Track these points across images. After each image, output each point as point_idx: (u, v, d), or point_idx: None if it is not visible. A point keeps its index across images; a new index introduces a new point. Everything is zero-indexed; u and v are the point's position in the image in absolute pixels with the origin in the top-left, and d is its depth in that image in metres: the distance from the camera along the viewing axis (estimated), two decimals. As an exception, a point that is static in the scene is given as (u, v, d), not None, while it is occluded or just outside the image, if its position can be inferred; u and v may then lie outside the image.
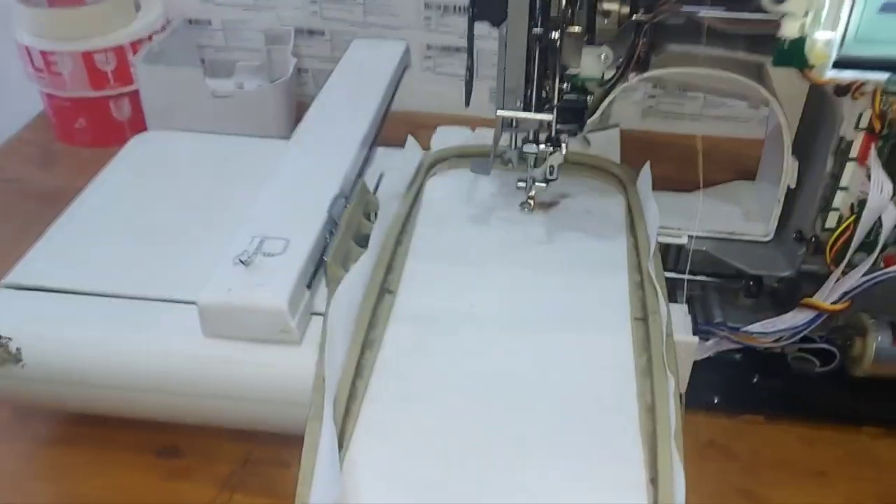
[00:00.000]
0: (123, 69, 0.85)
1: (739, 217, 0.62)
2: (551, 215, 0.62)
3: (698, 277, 0.61)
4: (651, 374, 0.48)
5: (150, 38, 0.86)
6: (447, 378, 0.48)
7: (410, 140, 0.68)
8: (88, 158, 0.87)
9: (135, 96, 0.86)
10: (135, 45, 0.84)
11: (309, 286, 0.53)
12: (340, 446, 0.44)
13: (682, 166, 0.85)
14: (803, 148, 0.56)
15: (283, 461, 0.54)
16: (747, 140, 0.89)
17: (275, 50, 0.93)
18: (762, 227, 0.60)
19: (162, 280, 0.55)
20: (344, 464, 0.43)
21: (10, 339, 0.51)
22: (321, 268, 0.55)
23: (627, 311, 0.53)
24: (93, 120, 0.88)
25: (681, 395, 0.52)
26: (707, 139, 0.93)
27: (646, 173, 0.62)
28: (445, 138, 0.70)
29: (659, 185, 0.63)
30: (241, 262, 0.51)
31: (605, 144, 0.69)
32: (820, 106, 0.54)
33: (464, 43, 0.93)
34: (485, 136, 0.69)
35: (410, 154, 0.67)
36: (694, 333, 0.52)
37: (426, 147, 0.69)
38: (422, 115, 0.88)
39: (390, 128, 0.74)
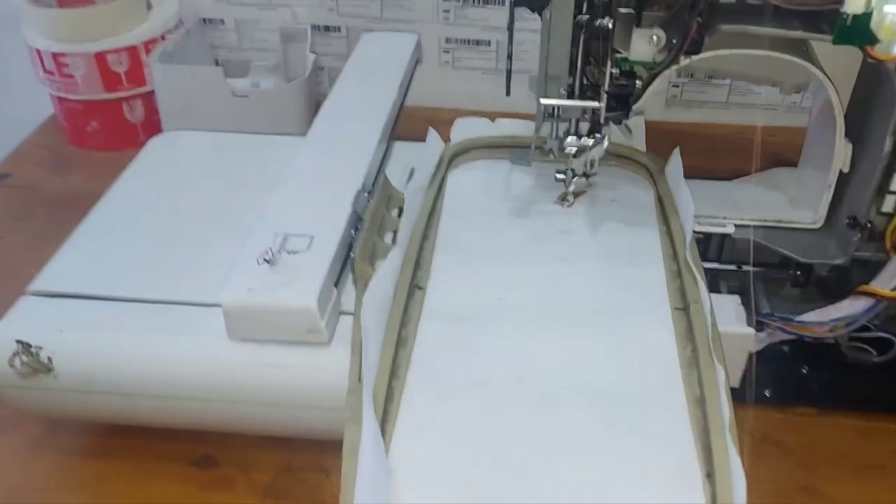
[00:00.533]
0: (136, 70, 0.83)
1: (784, 204, 0.61)
2: (578, 205, 0.60)
3: (746, 267, 0.59)
4: (698, 366, 0.46)
5: (162, 37, 0.84)
6: (483, 374, 0.46)
7: (432, 132, 0.66)
8: (101, 162, 0.85)
9: (148, 98, 0.84)
10: (147, 45, 0.83)
11: (336, 284, 0.51)
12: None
13: (709, 156, 0.83)
14: (856, 129, 0.54)
15: (324, 468, 0.53)
16: (774, 128, 0.87)
17: (290, 48, 0.91)
18: (810, 214, 0.58)
19: (188, 282, 0.53)
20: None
21: (40, 347, 0.49)
22: (347, 265, 0.53)
23: (667, 302, 0.51)
24: (105, 123, 0.86)
25: (732, 389, 0.50)
26: (733, 127, 0.92)
27: (676, 160, 0.61)
28: (465, 130, 0.68)
29: (687, 174, 0.61)
30: (266, 260, 0.49)
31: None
32: (876, 85, 0.52)
33: (484, 35, 0.93)
34: (505, 127, 0.67)
35: (433, 147, 0.65)
36: (751, 324, 0.50)
37: (447, 140, 0.67)
38: (440, 111, 0.86)
39: (408, 124, 0.72)
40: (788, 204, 0.61)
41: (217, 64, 0.96)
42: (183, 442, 0.54)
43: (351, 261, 0.52)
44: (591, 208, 0.60)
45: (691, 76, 0.90)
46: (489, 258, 0.55)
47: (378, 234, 0.56)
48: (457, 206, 0.61)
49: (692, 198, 0.55)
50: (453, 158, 0.66)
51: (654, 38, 0.47)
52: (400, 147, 0.70)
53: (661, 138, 0.68)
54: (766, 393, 0.57)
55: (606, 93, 0.49)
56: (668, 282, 0.53)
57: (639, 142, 0.66)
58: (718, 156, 0.88)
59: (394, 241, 0.55)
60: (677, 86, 0.92)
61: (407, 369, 0.47)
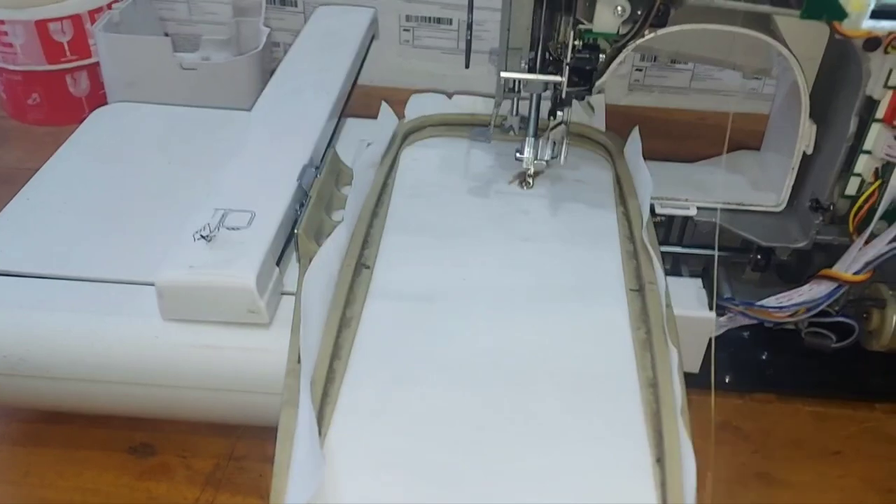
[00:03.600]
0: (81, 40, 0.79)
1: (747, 187, 0.59)
2: (537, 185, 0.58)
3: (705, 251, 0.57)
4: (651, 348, 0.45)
5: (109, 6, 0.80)
6: (432, 356, 0.44)
7: (385, 108, 0.63)
8: (43, 137, 0.81)
9: (93, 70, 0.81)
10: (93, 15, 0.79)
11: (278, 263, 0.49)
12: (319, 432, 0.39)
13: (669, 141, 0.82)
14: (819, 111, 0.53)
15: (269, 456, 0.50)
16: (735, 114, 0.87)
17: (243, 22, 0.88)
18: (773, 197, 0.57)
19: (123, 261, 0.51)
20: (325, 449, 0.39)
21: (-38, 327, 0.46)
22: (291, 242, 0.51)
23: (622, 283, 0.50)
24: (48, 95, 0.82)
25: (692, 374, 0.49)
26: (693, 113, 0.91)
27: (635, 139, 0.59)
28: (420, 106, 0.66)
29: (648, 158, 0.60)
30: (203, 237, 0.47)
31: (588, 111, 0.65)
32: (841, 64, 0.51)
33: (445, 14, 0.90)
34: (462, 104, 0.65)
35: (385, 122, 0.63)
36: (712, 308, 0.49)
37: (401, 117, 0.65)
38: (400, 91, 0.84)
39: (366, 103, 0.69)
40: (751, 187, 0.59)
41: (166, 36, 0.92)
42: (119, 429, 0.51)
43: (295, 237, 0.50)
44: (550, 188, 0.58)
45: (654, 59, 0.89)
46: (444, 237, 0.53)
47: (326, 212, 0.54)
48: (410, 183, 0.58)
49: (652, 179, 0.54)
50: (407, 135, 0.63)
51: (619, 8, 0.46)
52: (353, 123, 0.67)
53: (623, 122, 0.67)
54: (726, 379, 0.56)
55: (568, 65, 0.47)
56: (624, 263, 0.51)
57: (599, 121, 0.65)
58: (678, 140, 0.87)
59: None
60: (640, 69, 0.91)
61: (350, 350, 0.44)
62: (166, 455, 0.51)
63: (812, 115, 0.53)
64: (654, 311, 0.46)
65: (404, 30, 0.91)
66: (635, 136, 0.59)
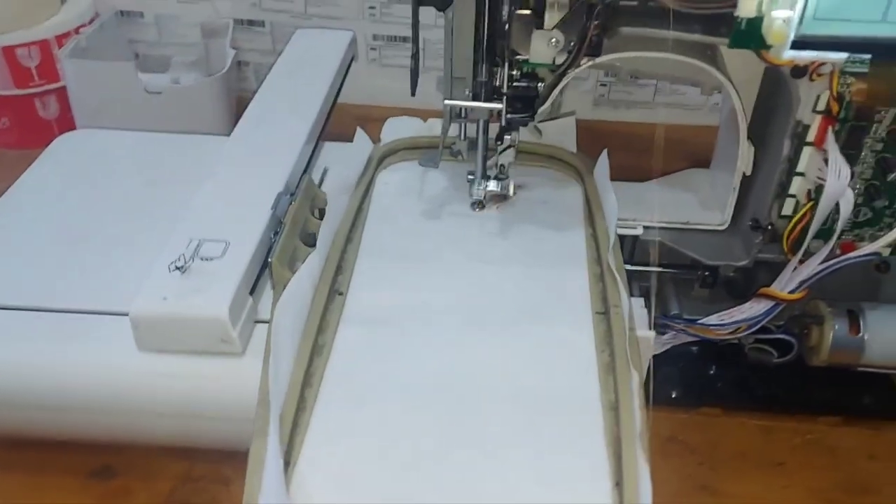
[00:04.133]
0: (48, 65, 0.81)
1: (695, 206, 0.61)
2: (506, 208, 0.60)
3: (654, 269, 0.59)
4: (614, 371, 0.46)
5: (77, 31, 0.81)
6: (401, 381, 0.46)
7: (360, 132, 0.65)
8: (13, 161, 0.81)
9: (62, 93, 0.82)
10: (60, 39, 0.80)
11: (252, 291, 0.50)
12: (289, 461, 0.41)
13: (634, 155, 0.84)
14: (759, 133, 0.55)
15: (225, 477, 0.51)
16: (700, 127, 0.88)
17: (212, 43, 0.89)
18: (718, 216, 0.59)
19: (93, 290, 0.52)
20: (294, 477, 0.40)
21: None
22: (266, 271, 0.51)
23: (588, 305, 0.51)
24: (17, 119, 0.83)
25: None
26: (659, 127, 0.93)
27: (603, 162, 0.61)
28: (396, 130, 0.67)
29: (612, 174, 0.61)
30: (177, 268, 0.48)
31: (560, 133, 0.67)
32: (776, 89, 0.53)
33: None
34: (437, 127, 0.66)
35: (360, 147, 0.64)
36: (651, 327, 0.51)
37: (376, 140, 0.66)
38: (370, 108, 0.85)
39: (339, 122, 0.71)
40: (699, 205, 0.61)
41: (137, 58, 0.93)
42: (80, 453, 0.52)
43: (269, 265, 0.51)
44: (520, 210, 0.59)
45: (615, 76, 0.91)
46: (414, 261, 0.54)
47: (300, 238, 0.55)
48: (384, 208, 0.59)
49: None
50: (382, 159, 0.65)
51: (553, 40, 0.47)
52: (330, 147, 0.68)
53: (589, 137, 0.69)
54: (673, 394, 0.58)
55: (505, 95, 0.49)
56: (591, 285, 0.52)
57: (569, 143, 0.66)
58: (643, 155, 0.88)
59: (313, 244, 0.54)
60: (605, 85, 0.93)
61: (322, 378, 0.46)
62: (127, 478, 0.52)
63: (751, 137, 0.55)
64: (619, 334, 0.48)
65: (371, 48, 0.93)
66: (604, 158, 0.61)
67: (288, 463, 0.41)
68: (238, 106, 0.87)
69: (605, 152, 0.61)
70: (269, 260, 0.51)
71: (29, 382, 0.47)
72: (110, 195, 0.61)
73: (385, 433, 0.43)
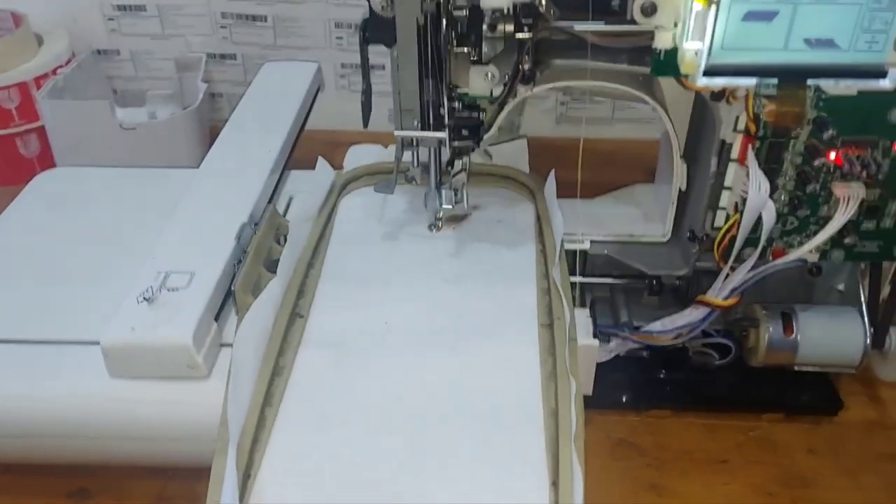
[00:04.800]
0: (28, 105, 0.84)
1: (640, 219, 0.65)
2: (462, 228, 0.63)
3: (600, 280, 0.62)
4: (556, 379, 0.49)
5: (54, 72, 0.85)
6: (357, 399, 0.49)
7: (321, 161, 0.68)
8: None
9: (42, 132, 0.85)
10: (38, 81, 0.83)
11: (218, 318, 0.53)
12: (248, 475, 0.44)
13: (595, 171, 0.87)
14: (691, 151, 0.59)
15: (198, 495, 0.54)
16: (654, 141, 0.92)
17: (186, 77, 0.92)
18: (660, 228, 0.62)
19: (69, 322, 0.54)
20: (253, 490, 0.44)
21: None
22: (230, 298, 0.55)
23: (535, 319, 0.54)
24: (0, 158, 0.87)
25: (586, 397, 0.54)
26: (617, 142, 0.97)
27: (550, 182, 0.64)
28: (359, 157, 0.70)
29: (571, 191, 0.64)
30: (145, 299, 0.51)
31: (513, 155, 0.71)
32: (703, 111, 0.57)
33: (379, 60, 0.95)
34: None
35: (321, 175, 0.68)
36: (595, 336, 0.54)
37: (342, 166, 0.69)
38: (339, 134, 0.88)
39: (308, 148, 0.74)
40: (643, 219, 0.65)
41: (115, 94, 0.97)
42: (58, 476, 0.55)
43: (232, 293, 0.54)
44: (476, 230, 0.63)
45: (570, 96, 0.95)
46: (373, 283, 0.57)
47: (264, 266, 0.58)
48: (346, 233, 0.63)
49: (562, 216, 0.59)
50: (345, 186, 0.68)
51: (489, 74, 0.51)
52: (297, 176, 0.71)
53: (551, 154, 0.72)
54: (623, 398, 0.61)
55: (447, 125, 0.52)
56: (538, 299, 0.56)
57: (522, 163, 0.70)
58: (601, 168, 0.92)
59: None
60: (564, 104, 0.97)
61: (282, 397, 0.49)
62: (102, 498, 0.55)
63: (686, 155, 0.58)
64: (560, 344, 0.51)
65: (340, 76, 0.97)
66: (551, 178, 0.64)
67: (248, 476, 0.44)
68: (212, 137, 0.90)
69: (552, 172, 0.65)
70: (232, 288, 0.54)
71: (7, 411, 0.50)
72: (85, 230, 0.64)
73: (340, 449, 0.46)
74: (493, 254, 0.60)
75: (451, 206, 0.61)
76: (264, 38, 0.94)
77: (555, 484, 0.43)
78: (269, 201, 0.64)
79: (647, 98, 0.55)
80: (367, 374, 0.50)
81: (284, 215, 0.65)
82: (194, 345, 0.49)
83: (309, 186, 0.66)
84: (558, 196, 0.63)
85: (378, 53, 0.55)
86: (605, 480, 0.56)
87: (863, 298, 0.58)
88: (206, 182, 0.64)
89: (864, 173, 0.52)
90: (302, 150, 0.74)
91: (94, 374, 0.50)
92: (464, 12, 0.49)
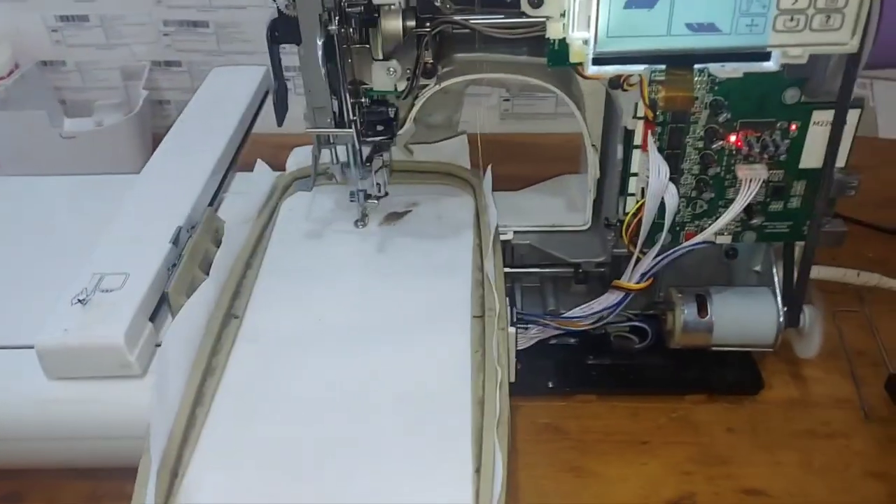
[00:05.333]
0: (-30, 117, 0.85)
1: (563, 209, 0.66)
2: (402, 224, 0.64)
3: (526, 270, 0.64)
4: (484, 369, 0.50)
5: (-5, 84, 0.86)
6: (290, 396, 0.50)
7: (260, 164, 0.69)
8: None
9: (-14, 143, 0.86)
10: (-20, 93, 0.84)
11: (154, 319, 0.54)
12: (177, 474, 0.45)
13: (537, 165, 0.89)
14: (604, 140, 0.60)
15: (128, 495, 0.54)
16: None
17: (131, 85, 0.93)
18: (581, 217, 0.63)
19: (5, 326, 0.55)
20: (182, 488, 0.44)
21: None
22: (166, 300, 0.55)
23: (468, 311, 0.55)
24: (-55, 170, 0.87)
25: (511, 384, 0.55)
26: (560, 136, 0.98)
27: (488, 177, 0.66)
28: (300, 158, 0.71)
29: (515, 184, 0.65)
30: (79, 300, 0.52)
31: (454, 151, 0.72)
32: (609, 99, 0.58)
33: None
34: (340, 153, 0.70)
35: (259, 177, 0.68)
36: (511, 324, 0.55)
37: (282, 169, 0.70)
38: (286, 137, 0.89)
39: (256, 152, 0.74)
40: (566, 209, 0.66)
41: (64, 104, 0.98)
42: (-13, 481, 0.56)
43: (166, 295, 0.55)
44: (414, 226, 0.64)
45: (509, 92, 0.96)
46: (310, 281, 0.58)
47: (200, 268, 0.59)
48: (286, 233, 0.63)
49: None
50: (287, 188, 0.69)
51: (391, 69, 0.52)
52: (242, 177, 0.71)
53: (496, 150, 0.73)
54: (549, 384, 0.62)
55: (353, 121, 0.53)
56: (472, 291, 0.57)
57: (462, 160, 0.71)
58: (547, 163, 0.93)
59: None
60: (507, 100, 0.98)
61: (213, 396, 0.49)
62: (33, 501, 0.55)
63: (596, 144, 0.60)
64: (490, 335, 0.52)
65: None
66: (489, 173, 0.66)
67: (176, 475, 0.45)
68: (156, 143, 0.91)
69: (489, 169, 0.66)
70: (166, 290, 0.55)
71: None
72: (22, 237, 0.65)
73: (271, 445, 0.47)
74: (430, 248, 0.61)
75: (376, 202, 0.62)
76: (207, 45, 0.95)
77: (477, 471, 0.44)
78: (210, 204, 0.65)
79: (553, 88, 0.56)
80: (300, 370, 0.51)
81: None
82: (126, 344, 0.50)
83: (247, 189, 0.67)
84: (498, 190, 0.64)
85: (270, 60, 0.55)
86: (528, 464, 0.57)
87: (777, 279, 0.59)
88: (146, 186, 0.65)
89: (765, 155, 0.53)
90: (251, 153, 0.75)
91: (31, 377, 0.51)
92: (360, 9, 0.49)
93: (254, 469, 0.45)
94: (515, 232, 0.63)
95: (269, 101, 0.82)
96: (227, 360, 0.52)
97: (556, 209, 0.66)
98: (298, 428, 0.48)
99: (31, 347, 0.50)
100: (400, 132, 0.58)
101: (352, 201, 0.63)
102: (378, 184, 0.61)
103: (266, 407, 0.49)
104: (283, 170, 0.71)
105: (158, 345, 0.53)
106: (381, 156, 0.60)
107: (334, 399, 0.49)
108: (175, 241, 0.58)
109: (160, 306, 0.55)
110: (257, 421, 0.48)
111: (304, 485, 0.44)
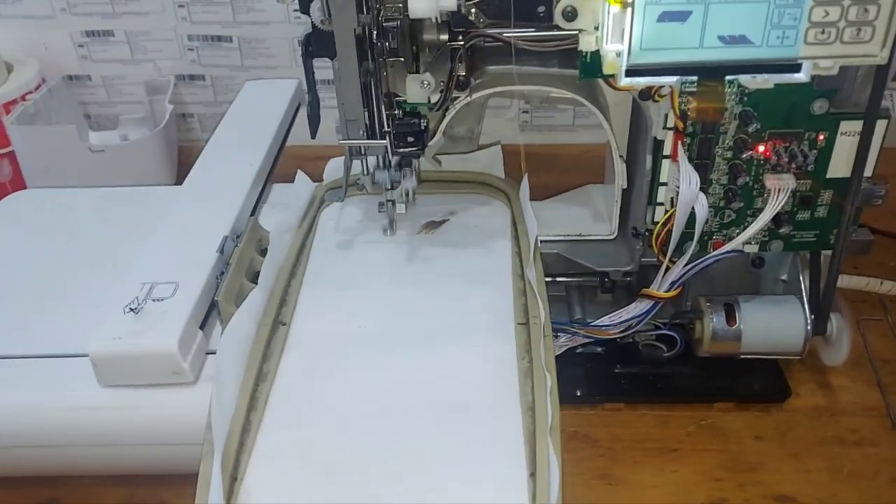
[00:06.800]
0: (-1, 131, 0.86)
1: (589, 219, 0.66)
2: (441, 233, 0.65)
3: (553, 279, 0.64)
4: (532, 375, 0.51)
5: (23, 98, 0.87)
6: (339, 400, 0.50)
7: (300, 174, 0.70)
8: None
9: (13, 157, 0.87)
10: (8, 107, 0.85)
11: (203, 327, 0.55)
12: (236, 478, 0.46)
13: (557, 174, 0.90)
14: (632, 150, 0.61)
15: (164, 500, 0.56)
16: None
17: (156, 100, 0.95)
18: (607, 227, 0.64)
19: (55, 336, 0.56)
20: (241, 492, 0.45)
21: None
22: (215, 308, 0.56)
23: (512, 318, 0.56)
24: (-26, 183, 0.89)
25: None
26: (580, 147, 0.99)
27: (524, 186, 0.66)
28: (337, 169, 0.72)
29: (535, 194, 0.66)
30: (131, 309, 0.52)
31: (488, 161, 0.73)
32: (637, 111, 0.59)
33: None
34: (374, 164, 0.71)
35: (300, 188, 0.69)
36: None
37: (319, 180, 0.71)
38: (321, 149, 0.90)
39: (292, 164, 0.74)
40: (592, 218, 0.66)
41: (89, 119, 0.99)
42: (28, 487, 0.57)
43: (216, 303, 0.56)
44: (452, 235, 0.65)
45: (529, 104, 0.97)
46: (353, 289, 0.59)
47: (246, 277, 0.59)
48: (327, 242, 0.64)
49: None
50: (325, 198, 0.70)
51: (425, 82, 0.53)
52: (279, 189, 0.73)
53: (516, 161, 0.74)
54: (578, 392, 0.63)
55: (387, 133, 0.54)
56: (514, 299, 0.57)
57: (497, 169, 0.72)
58: (565, 173, 0.94)
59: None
60: (526, 112, 0.99)
61: (266, 402, 0.50)
62: (72, 508, 0.56)
63: (627, 154, 0.60)
64: (536, 341, 0.52)
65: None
66: (524, 183, 0.66)
67: (235, 479, 0.46)
68: (182, 156, 0.92)
69: (525, 177, 0.67)
70: (216, 298, 0.55)
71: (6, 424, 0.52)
72: (61, 248, 0.65)
73: (324, 449, 0.47)
74: (469, 257, 0.62)
75: (403, 212, 0.63)
76: (231, 60, 0.96)
77: (533, 475, 0.45)
78: (251, 214, 0.66)
79: (582, 100, 0.57)
80: (350, 375, 0.52)
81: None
82: (180, 351, 0.50)
83: (289, 199, 0.68)
84: (524, 201, 0.65)
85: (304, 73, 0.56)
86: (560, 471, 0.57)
87: (804, 287, 0.60)
88: (189, 197, 0.66)
89: (793, 165, 0.54)
90: (286, 165, 0.76)
91: (82, 385, 0.51)
92: (396, 24, 0.51)
93: (310, 473, 0.46)
94: (542, 241, 0.64)
95: (302, 113, 0.85)
96: (277, 367, 0.53)
97: (581, 219, 0.66)
98: (349, 432, 0.48)
99: (80, 356, 0.51)
100: (430, 144, 0.59)
101: (380, 212, 0.64)
102: (406, 192, 0.62)
103: (319, 412, 0.50)
104: (320, 180, 0.72)
105: (209, 352, 0.54)
106: (410, 166, 0.61)
107: (381, 404, 0.50)
108: (221, 251, 0.59)
109: (209, 314, 0.56)
110: (311, 426, 0.49)
111: (355, 487, 0.45)
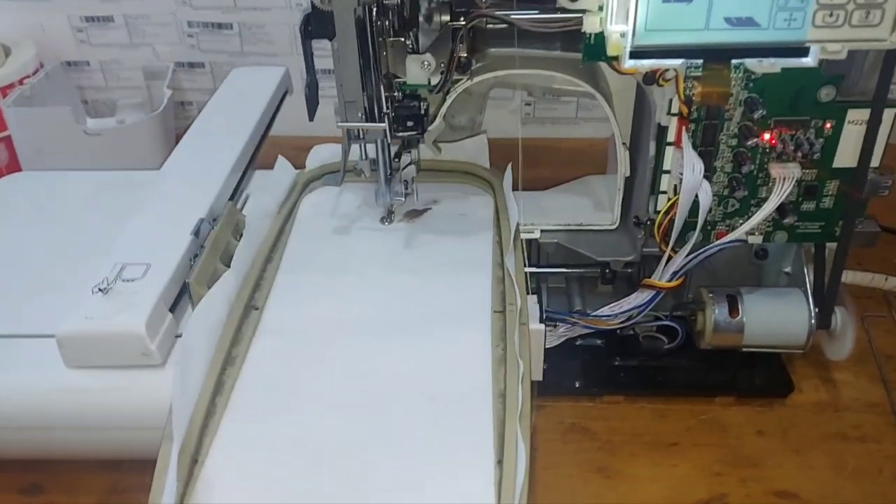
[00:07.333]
0: (-5, 114, 0.85)
1: (590, 208, 0.65)
2: (422, 221, 0.64)
3: (553, 270, 0.63)
4: (505, 363, 0.50)
5: (21, 82, 0.86)
6: (310, 387, 0.49)
7: (281, 160, 0.69)
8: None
9: (10, 141, 0.86)
10: (4, 90, 0.84)
11: (173, 309, 0.54)
12: (196, 460, 0.45)
13: (559, 167, 0.89)
14: (634, 137, 0.60)
15: (150, 487, 0.55)
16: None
17: (154, 85, 0.94)
18: (609, 217, 0.63)
19: (27, 316, 0.55)
20: (201, 475, 0.44)
21: None
22: (187, 291, 0.55)
23: (489, 306, 0.55)
24: (-32, 166, 0.88)
25: (537, 382, 0.55)
26: (582, 140, 0.98)
27: (507, 175, 0.65)
28: (321, 156, 0.71)
29: (534, 185, 0.65)
30: (101, 290, 0.52)
31: (473, 150, 0.72)
32: (641, 96, 0.58)
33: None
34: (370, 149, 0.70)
35: (280, 173, 0.69)
36: (542, 321, 0.55)
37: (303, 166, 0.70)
38: (308, 139, 0.89)
39: (276, 153, 0.73)
40: (593, 208, 0.65)
41: (86, 104, 0.98)
42: (10, 472, 0.56)
43: (188, 286, 0.55)
44: (435, 222, 0.64)
45: (531, 95, 0.96)
46: (331, 275, 0.58)
47: (221, 261, 0.59)
48: (306, 228, 0.64)
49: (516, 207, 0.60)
50: (307, 184, 0.69)
51: (425, 63, 0.52)
52: (261, 175, 0.72)
53: (516, 154, 0.73)
54: (576, 384, 0.61)
55: (386, 115, 0.53)
56: (493, 287, 0.57)
57: (482, 158, 0.71)
58: (567, 166, 0.93)
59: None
60: (529, 104, 0.98)
61: (233, 386, 0.49)
62: (54, 493, 0.55)
63: (630, 142, 0.59)
64: (511, 329, 0.52)
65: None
66: (508, 171, 0.66)
67: (196, 461, 0.45)
68: (178, 142, 0.91)
69: (509, 166, 0.66)
70: (188, 281, 0.55)
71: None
72: (48, 230, 0.65)
73: (291, 436, 0.46)
74: (450, 245, 0.61)
75: (402, 199, 0.62)
76: (231, 46, 0.95)
77: (500, 462, 0.44)
78: (231, 199, 0.65)
79: (583, 84, 0.56)
80: (320, 362, 0.51)
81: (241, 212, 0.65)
82: (147, 333, 0.50)
83: (269, 185, 0.67)
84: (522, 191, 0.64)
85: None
86: (555, 464, 0.56)
87: (808, 280, 0.59)
88: (168, 181, 0.65)
89: (799, 153, 0.53)
90: (270, 155, 0.75)
91: (51, 365, 0.51)
92: (397, 2, 0.49)
93: (273, 458, 0.45)
94: (542, 231, 0.63)
95: (288, 101, 0.84)
96: (247, 351, 0.52)
97: (582, 208, 0.65)
98: (318, 419, 0.47)
99: (52, 336, 0.50)
100: (430, 128, 0.57)
101: (377, 200, 0.63)
102: (405, 181, 0.61)
103: (285, 397, 0.49)
104: (303, 168, 0.71)
105: (178, 335, 0.53)
106: (409, 153, 0.60)
107: (354, 391, 0.49)
108: (196, 233, 0.58)
109: (181, 297, 0.55)
110: (277, 411, 0.48)
111: (323, 475, 0.44)
